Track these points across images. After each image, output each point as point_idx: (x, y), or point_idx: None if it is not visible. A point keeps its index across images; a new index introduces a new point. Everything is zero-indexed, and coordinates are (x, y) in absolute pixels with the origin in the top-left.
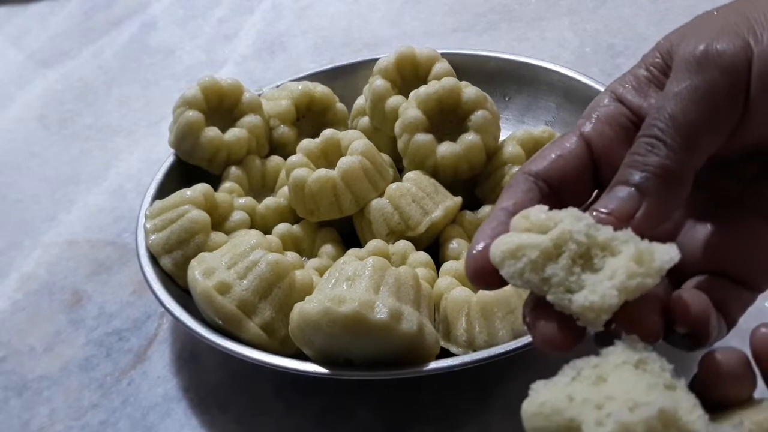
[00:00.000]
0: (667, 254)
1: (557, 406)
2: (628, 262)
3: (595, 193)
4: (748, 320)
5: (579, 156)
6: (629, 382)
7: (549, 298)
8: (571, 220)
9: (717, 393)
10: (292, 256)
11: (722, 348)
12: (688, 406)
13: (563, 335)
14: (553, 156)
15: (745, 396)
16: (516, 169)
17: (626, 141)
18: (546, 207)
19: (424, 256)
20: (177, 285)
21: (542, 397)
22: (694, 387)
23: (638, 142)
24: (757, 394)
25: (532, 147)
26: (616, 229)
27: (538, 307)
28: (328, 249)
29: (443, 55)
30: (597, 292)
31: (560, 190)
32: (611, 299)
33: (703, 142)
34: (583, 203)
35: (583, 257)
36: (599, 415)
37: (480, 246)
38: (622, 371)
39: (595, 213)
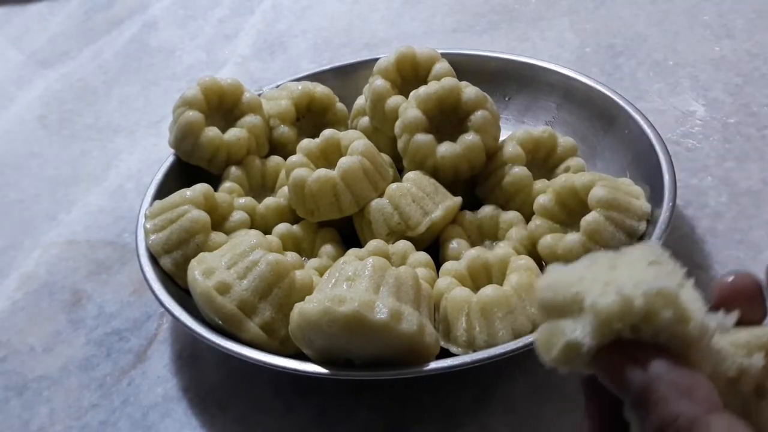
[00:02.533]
0: None
1: (568, 281)
2: None
3: None
4: None
5: None
6: (640, 271)
7: None
8: None
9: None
10: (292, 256)
11: (736, 271)
12: (691, 296)
13: None
14: None
15: (755, 320)
16: (516, 169)
17: None
18: None
19: (424, 256)
20: (177, 285)
21: (556, 274)
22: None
23: None
24: None
25: (532, 147)
26: None
27: None
28: (328, 249)
29: (443, 55)
30: None
31: None
32: None
33: None
34: None
35: None
36: (603, 288)
37: None
38: (636, 264)
39: None
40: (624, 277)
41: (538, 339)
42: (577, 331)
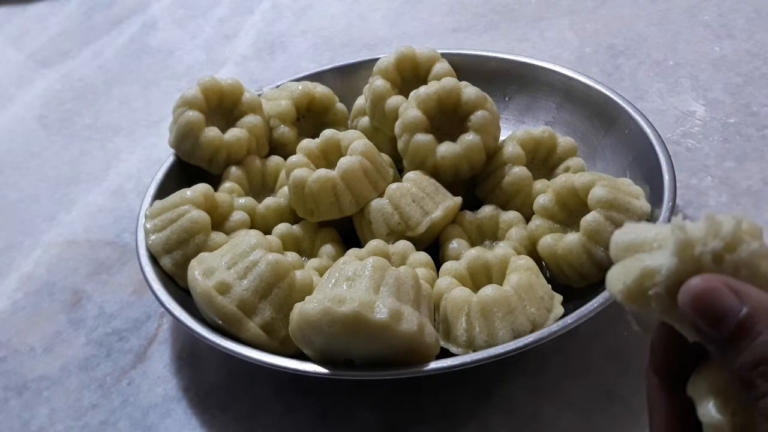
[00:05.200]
0: None
1: (648, 228)
2: None
3: None
4: None
5: None
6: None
7: None
8: None
9: None
10: (292, 256)
11: None
12: None
13: None
14: None
15: None
16: (516, 169)
17: None
18: None
19: (424, 256)
20: (177, 285)
21: (636, 225)
22: None
23: None
24: None
25: (532, 147)
26: None
27: None
28: (328, 249)
29: (443, 55)
30: None
31: None
32: None
33: None
34: None
35: None
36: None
37: None
38: None
39: None
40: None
41: (610, 273)
42: (656, 258)
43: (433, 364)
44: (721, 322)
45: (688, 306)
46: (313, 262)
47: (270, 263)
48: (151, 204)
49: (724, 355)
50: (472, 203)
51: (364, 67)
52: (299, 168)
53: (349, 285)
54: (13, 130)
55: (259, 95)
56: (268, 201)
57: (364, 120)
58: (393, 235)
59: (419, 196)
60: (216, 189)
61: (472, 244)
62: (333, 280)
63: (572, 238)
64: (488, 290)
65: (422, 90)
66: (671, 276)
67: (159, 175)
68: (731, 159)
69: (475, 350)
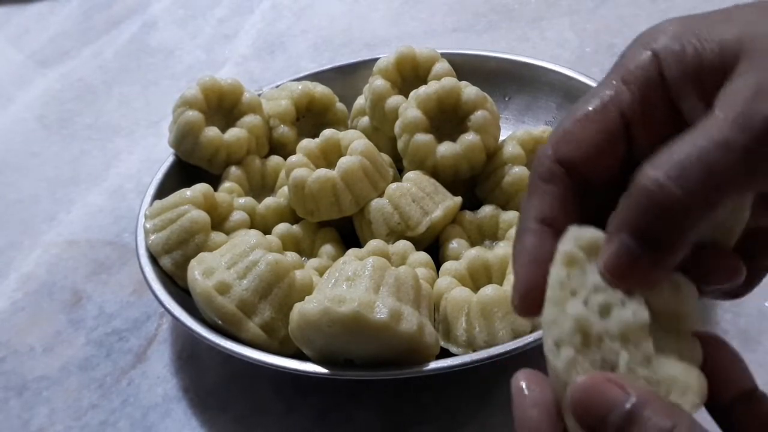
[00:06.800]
0: None
1: None
2: None
3: None
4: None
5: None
6: None
7: None
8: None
9: None
10: (292, 256)
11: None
12: None
13: None
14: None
15: None
16: (516, 169)
17: None
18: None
19: (424, 256)
20: (177, 285)
21: None
22: None
23: None
24: None
25: (532, 147)
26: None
27: None
28: (328, 249)
29: (443, 55)
30: None
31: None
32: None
33: None
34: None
35: None
36: None
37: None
38: None
39: None
40: None
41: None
42: None
43: (433, 364)
44: (610, 412)
45: (575, 405)
46: (313, 262)
47: (270, 263)
48: (151, 204)
49: None
50: (472, 203)
51: (364, 67)
52: (299, 168)
53: (349, 285)
54: (13, 130)
55: (259, 95)
56: (268, 201)
57: (364, 120)
58: (393, 235)
59: (419, 196)
60: (216, 189)
61: (472, 244)
62: (333, 280)
63: None
64: (488, 290)
65: (422, 90)
66: None
67: (159, 175)
68: None
69: (475, 350)
